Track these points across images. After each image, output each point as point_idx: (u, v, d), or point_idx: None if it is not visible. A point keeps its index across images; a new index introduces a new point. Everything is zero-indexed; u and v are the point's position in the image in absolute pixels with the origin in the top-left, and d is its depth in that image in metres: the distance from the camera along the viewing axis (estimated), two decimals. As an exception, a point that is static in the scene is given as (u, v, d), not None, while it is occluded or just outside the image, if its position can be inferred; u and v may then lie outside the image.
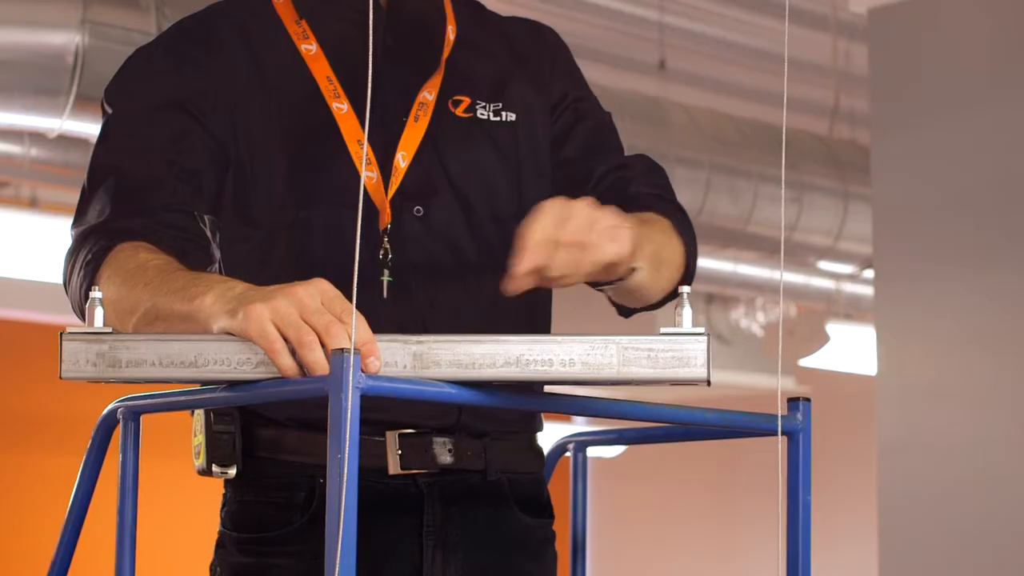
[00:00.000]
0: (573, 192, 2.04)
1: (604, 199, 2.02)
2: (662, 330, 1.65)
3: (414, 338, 1.65)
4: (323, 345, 1.62)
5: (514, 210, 2.06)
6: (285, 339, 1.63)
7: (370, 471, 1.90)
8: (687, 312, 1.66)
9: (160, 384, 1.70)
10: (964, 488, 4.46)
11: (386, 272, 1.98)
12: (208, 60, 2.05)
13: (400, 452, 1.95)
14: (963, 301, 4.55)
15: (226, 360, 1.64)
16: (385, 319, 1.89)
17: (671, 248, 2.00)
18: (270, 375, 1.64)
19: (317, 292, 1.65)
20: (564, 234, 1.75)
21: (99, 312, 1.67)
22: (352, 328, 1.60)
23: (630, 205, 1.99)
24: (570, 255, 1.76)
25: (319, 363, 1.61)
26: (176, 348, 1.64)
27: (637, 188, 2.09)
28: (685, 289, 1.68)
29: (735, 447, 9.12)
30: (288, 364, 1.63)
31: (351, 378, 1.49)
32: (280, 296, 1.65)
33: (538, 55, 2.16)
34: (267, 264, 2.01)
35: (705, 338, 1.64)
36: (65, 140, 4.67)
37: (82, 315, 1.78)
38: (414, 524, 1.97)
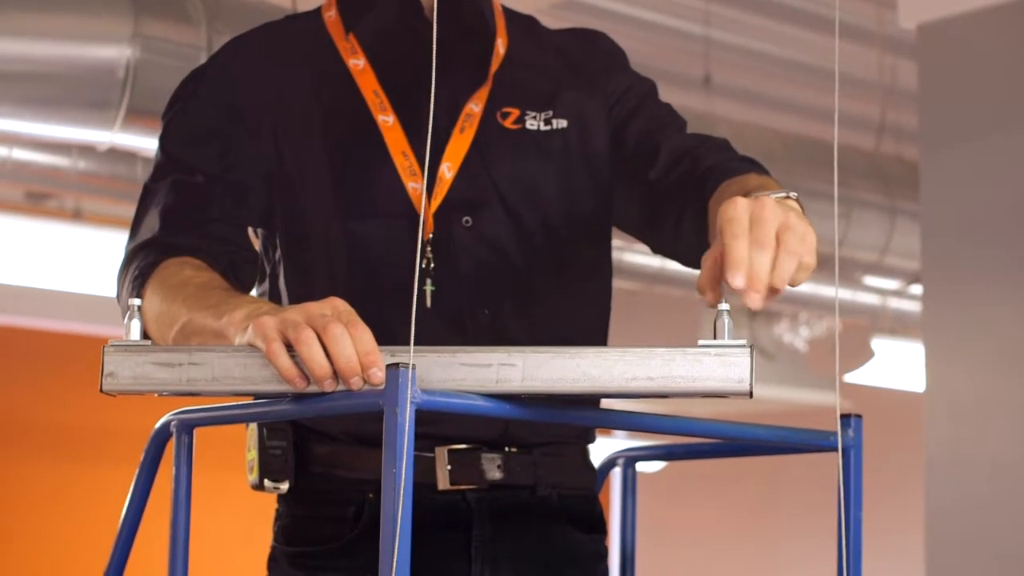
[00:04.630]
0: (642, 172, 2.07)
1: (678, 174, 2.04)
2: (701, 342, 1.60)
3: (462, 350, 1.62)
4: (323, 346, 1.59)
5: (564, 218, 2.06)
6: (288, 344, 1.60)
7: (419, 486, 1.87)
8: (727, 323, 1.60)
9: (198, 398, 1.69)
10: (1013, 505, 4.43)
11: (428, 282, 1.98)
12: (260, 74, 2.07)
13: (450, 467, 1.95)
14: (1012, 317, 4.52)
15: (258, 377, 1.63)
16: (429, 329, 1.93)
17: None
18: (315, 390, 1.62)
19: (328, 305, 1.64)
20: (764, 237, 1.58)
21: (136, 324, 1.67)
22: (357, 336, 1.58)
23: (718, 174, 1.96)
24: (779, 262, 1.59)
25: (314, 359, 1.58)
26: (213, 360, 1.63)
27: (715, 158, 2.04)
28: (724, 306, 1.63)
29: (777, 463, 9.09)
30: (285, 364, 1.59)
31: (408, 393, 1.49)
32: (291, 309, 1.64)
33: (592, 60, 2.16)
34: (317, 276, 2.02)
35: (748, 350, 1.59)
36: (113, 152, 4.69)
37: None
38: (463, 540, 1.97)
